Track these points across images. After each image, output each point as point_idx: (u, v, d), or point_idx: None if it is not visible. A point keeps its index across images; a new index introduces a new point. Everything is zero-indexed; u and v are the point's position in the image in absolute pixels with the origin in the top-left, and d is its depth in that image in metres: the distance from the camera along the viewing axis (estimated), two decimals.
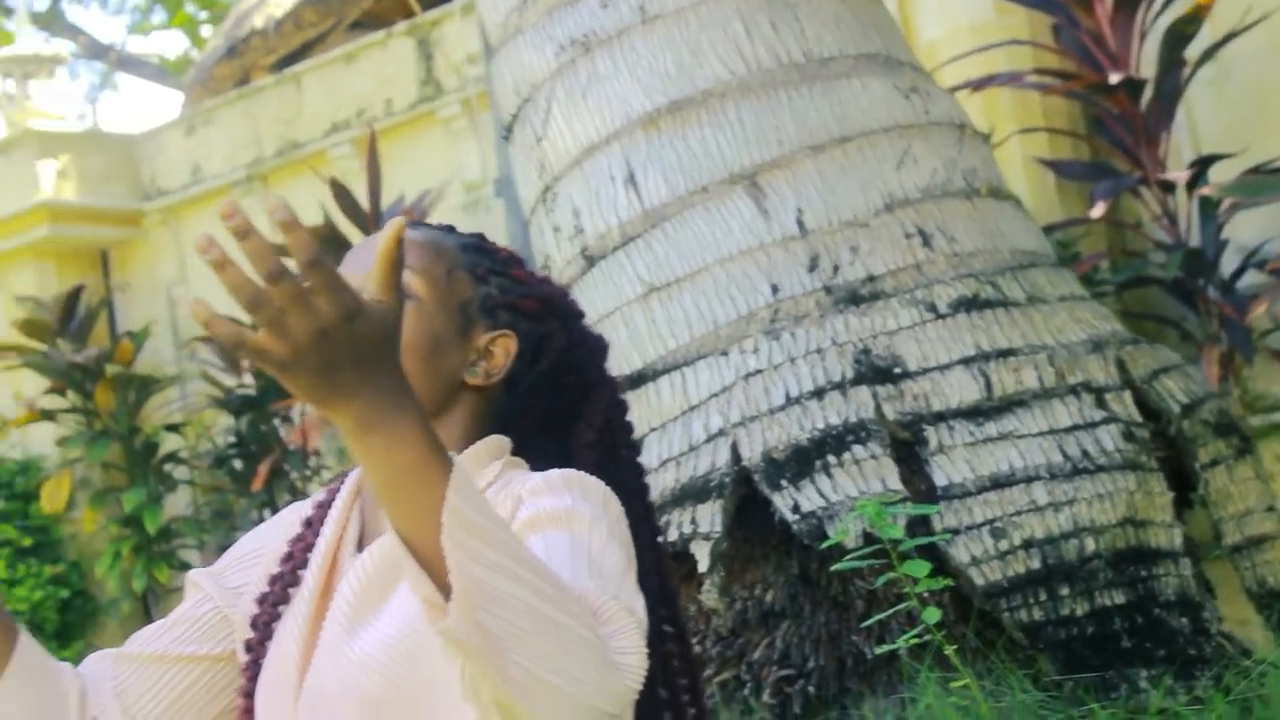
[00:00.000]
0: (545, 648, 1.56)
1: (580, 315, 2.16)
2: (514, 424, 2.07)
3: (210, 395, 12.46)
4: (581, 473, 1.91)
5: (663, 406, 4.96)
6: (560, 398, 2.10)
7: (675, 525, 4.69)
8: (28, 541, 13.22)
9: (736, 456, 4.75)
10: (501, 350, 2.05)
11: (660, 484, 4.81)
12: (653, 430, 4.95)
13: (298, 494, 12.05)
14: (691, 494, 4.73)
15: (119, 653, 2.12)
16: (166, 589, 13.41)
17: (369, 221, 10.75)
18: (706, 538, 4.62)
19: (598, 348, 2.16)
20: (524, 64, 5.51)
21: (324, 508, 2.13)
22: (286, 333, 1.47)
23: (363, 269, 1.99)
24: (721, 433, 4.81)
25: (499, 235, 11.03)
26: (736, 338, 4.92)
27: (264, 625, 2.05)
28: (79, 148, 14.53)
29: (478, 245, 2.12)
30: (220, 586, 2.13)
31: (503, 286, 2.08)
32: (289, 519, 2.18)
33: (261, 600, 2.07)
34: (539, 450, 2.05)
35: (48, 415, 13.12)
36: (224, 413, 12.44)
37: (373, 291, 1.53)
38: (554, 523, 1.80)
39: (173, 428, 13.15)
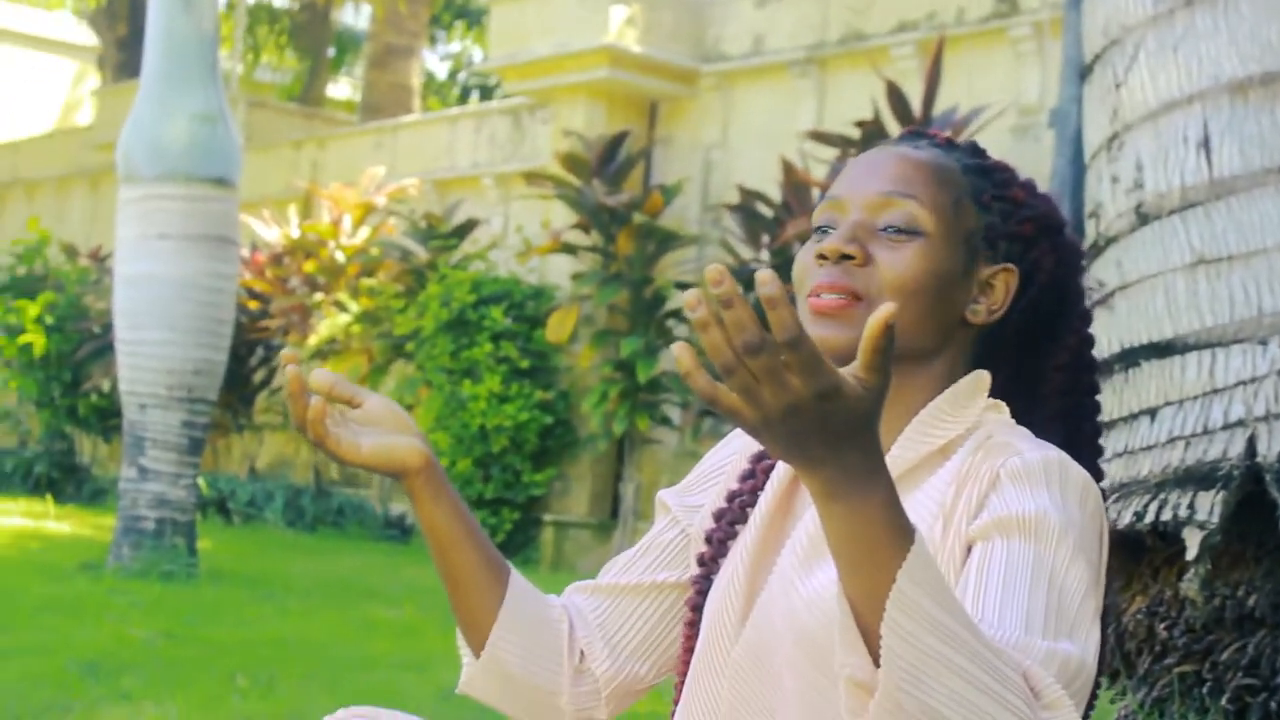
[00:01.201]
0: None
1: (1064, 226, 2.05)
2: (991, 352, 2.00)
3: (724, 263, 12.64)
4: (1063, 460, 1.84)
5: (1185, 382, 4.78)
6: (1037, 318, 2.02)
7: (1171, 506, 4.53)
8: (525, 364, 13.77)
9: (1251, 451, 4.55)
10: (1002, 285, 1.97)
11: (1165, 460, 4.65)
12: (1169, 404, 4.78)
13: None
14: (1195, 478, 4.56)
15: (595, 584, 2.15)
16: (643, 437, 13.80)
17: (918, 128, 10.68)
18: (1201, 526, 4.46)
19: (1077, 260, 2.06)
20: (1119, 5, 5.32)
21: None
22: (759, 403, 1.45)
23: (861, 189, 1.94)
24: (1241, 423, 4.61)
25: (1043, 167, 10.82)
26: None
27: (718, 542, 2.06)
28: None
29: (979, 166, 2.01)
30: (685, 504, 2.15)
31: (1004, 212, 1.99)
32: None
33: (718, 517, 2.07)
34: (1009, 373, 2.00)
35: (569, 249, 13.58)
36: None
37: (856, 369, 1.48)
38: (1022, 532, 1.75)
39: (683, 285, 13.43)
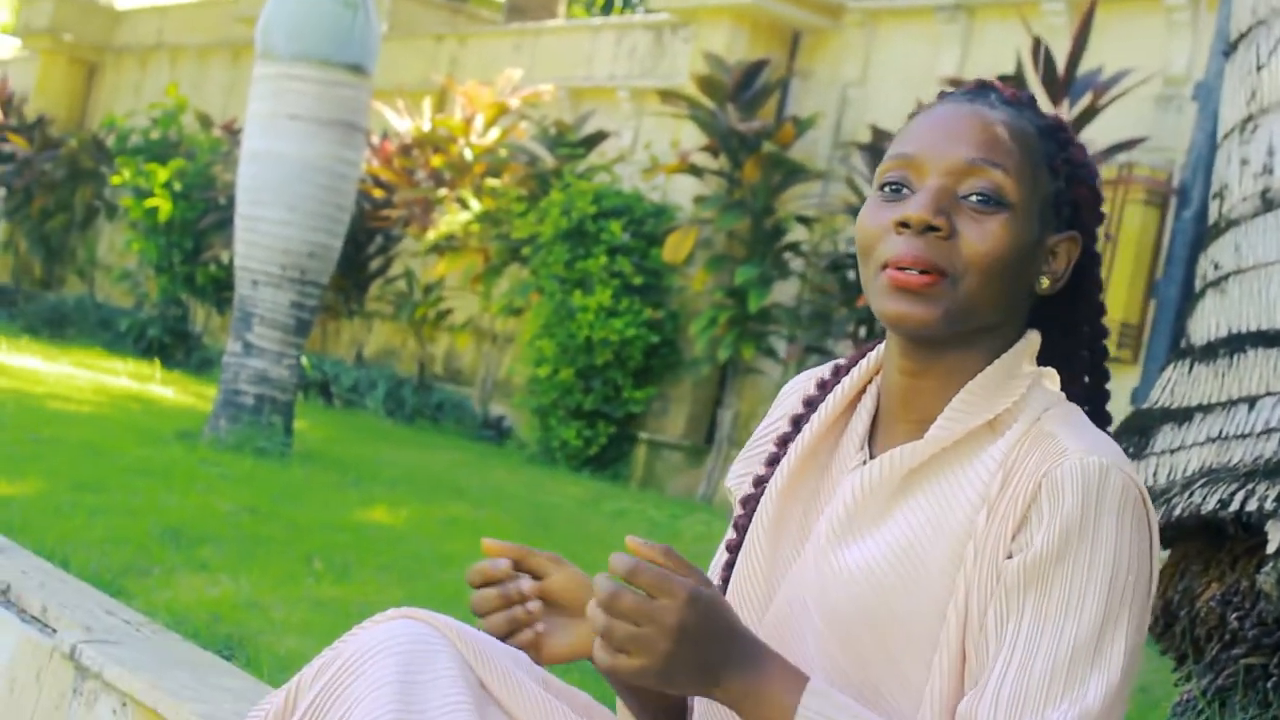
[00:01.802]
0: None
1: (1097, 176, 1.99)
2: (1036, 322, 1.96)
3: (848, 202, 12.56)
4: (1104, 465, 1.79)
5: None
6: (1076, 286, 1.98)
7: (1258, 497, 4.47)
8: (638, 280, 13.76)
9: None
10: (1064, 253, 1.92)
11: (1258, 450, 4.59)
12: (1270, 394, 4.71)
13: None
14: None
15: None
16: (747, 366, 13.79)
17: (1060, 87, 10.51)
18: None
19: (1100, 225, 2.01)
20: None
21: (827, 389, 2.06)
22: (648, 646, 1.65)
23: (942, 152, 1.88)
24: None
25: (1182, 140, 10.63)
26: None
27: (753, 509, 2.03)
28: None
29: (1048, 127, 1.94)
30: (737, 475, 2.14)
31: (1070, 177, 1.93)
32: (795, 393, 2.12)
33: (757, 482, 2.05)
34: (1046, 344, 1.96)
35: (695, 171, 13.53)
36: (855, 222, 12.52)
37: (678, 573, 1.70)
38: (1041, 579, 1.76)
39: (804, 220, 13.36)
